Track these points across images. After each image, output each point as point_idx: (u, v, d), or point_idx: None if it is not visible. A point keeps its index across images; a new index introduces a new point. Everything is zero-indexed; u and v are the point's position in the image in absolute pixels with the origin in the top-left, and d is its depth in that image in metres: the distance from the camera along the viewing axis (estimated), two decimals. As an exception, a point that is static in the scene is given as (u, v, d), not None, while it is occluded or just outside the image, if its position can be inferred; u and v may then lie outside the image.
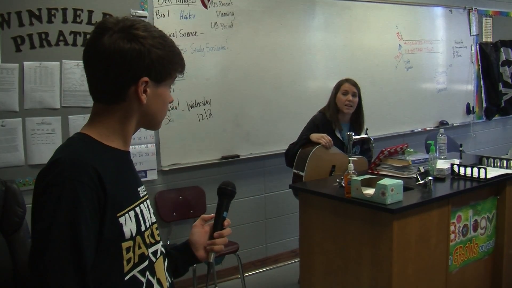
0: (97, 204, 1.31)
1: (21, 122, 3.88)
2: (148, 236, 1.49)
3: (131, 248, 1.41)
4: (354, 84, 4.48)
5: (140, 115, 1.49)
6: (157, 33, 1.46)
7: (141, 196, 1.52)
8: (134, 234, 1.41)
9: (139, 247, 1.44)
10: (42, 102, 3.95)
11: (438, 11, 6.76)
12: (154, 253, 1.54)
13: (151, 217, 1.54)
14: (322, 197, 3.69)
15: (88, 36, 1.48)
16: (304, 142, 4.37)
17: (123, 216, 1.39)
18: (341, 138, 4.47)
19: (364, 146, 4.53)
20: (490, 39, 7.46)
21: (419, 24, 6.50)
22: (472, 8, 7.08)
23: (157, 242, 1.57)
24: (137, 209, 1.46)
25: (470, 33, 7.13)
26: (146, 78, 1.42)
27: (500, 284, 3.97)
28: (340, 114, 4.50)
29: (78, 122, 4.02)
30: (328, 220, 3.64)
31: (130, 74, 1.41)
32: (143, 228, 1.46)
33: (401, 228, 3.19)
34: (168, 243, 4.61)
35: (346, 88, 4.45)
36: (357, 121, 4.56)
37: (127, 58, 1.39)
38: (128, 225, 1.40)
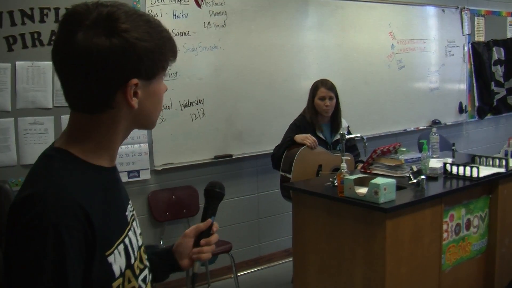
0: (84, 247, 1.12)
1: (13, 122, 3.87)
2: (137, 266, 1.32)
3: (121, 285, 1.23)
4: (330, 88, 4.51)
5: (131, 120, 1.25)
6: (141, 19, 1.19)
7: (129, 221, 1.33)
8: (123, 270, 1.24)
9: (129, 281, 1.27)
10: (34, 101, 3.93)
11: (431, 10, 6.78)
12: (144, 279, 1.35)
13: (138, 241, 1.35)
14: (315, 196, 3.69)
15: (55, 32, 1.21)
16: (289, 144, 4.40)
17: (112, 254, 1.20)
18: (323, 138, 4.54)
19: (348, 144, 4.53)
20: (482, 39, 7.48)
21: (411, 24, 6.51)
22: (464, 8, 7.10)
23: (145, 267, 1.38)
24: (126, 239, 1.27)
25: (463, 33, 7.15)
26: (135, 80, 1.17)
27: (493, 282, 3.98)
28: (319, 115, 4.56)
29: (71, 122, 4.00)
30: (321, 219, 3.65)
31: (115, 78, 1.16)
32: (132, 260, 1.28)
33: (394, 227, 3.20)
34: (161, 243, 4.60)
35: (323, 94, 4.49)
36: (335, 120, 4.62)
37: (109, 59, 1.13)
38: (118, 262, 1.22)
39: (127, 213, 1.33)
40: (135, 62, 1.16)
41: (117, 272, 1.21)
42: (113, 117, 1.22)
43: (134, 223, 1.37)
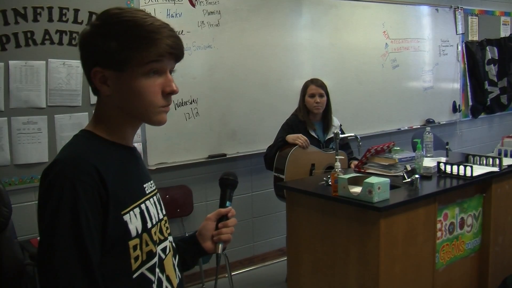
0: (99, 202, 1.30)
1: (6, 122, 3.85)
2: (155, 233, 1.47)
3: (138, 246, 1.39)
4: (320, 85, 4.56)
5: (118, 107, 1.43)
6: (121, 19, 1.38)
7: (147, 192, 1.50)
8: (140, 232, 1.40)
9: (147, 245, 1.42)
10: (27, 101, 3.92)
11: (424, 10, 6.79)
12: (163, 249, 1.51)
13: (158, 213, 1.52)
14: (309, 196, 3.69)
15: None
16: (281, 144, 4.41)
17: (128, 214, 1.37)
18: (316, 136, 4.55)
19: (340, 142, 4.53)
20: (476, 38, 7.50)
21: (405, 23, 6.52)
22: (458, 7, 7.12)
23: (165, 239, 1.54)
24: (143, 206, 1.44)
25: (456, 32, 7.17)
26: (97, 68, 1.38)
27: (487, 281, 3.99)
28: (311, 114, 4.59)
29: (64, 121, 3.98)
30: (315, 218, 3.65)
31: (86, 64, 1.41)
32: (149, 225, 1.44)
33: (388, 226, 3.20)
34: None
35: (313, 91, 4.53)
36: (325, 118, 4.64)
37: (82, 50, 1.41)
38: (134, 222, 1.38)
39: (145, 186, 1.52)
40: (96, 53, 1.37)
41: (133, 232, 1.38)
42: (104, 100, 1.44)
43: (155, 197, 1.55)
